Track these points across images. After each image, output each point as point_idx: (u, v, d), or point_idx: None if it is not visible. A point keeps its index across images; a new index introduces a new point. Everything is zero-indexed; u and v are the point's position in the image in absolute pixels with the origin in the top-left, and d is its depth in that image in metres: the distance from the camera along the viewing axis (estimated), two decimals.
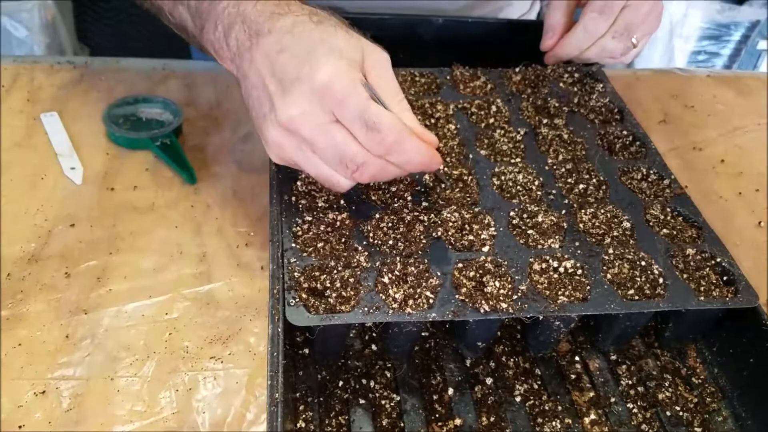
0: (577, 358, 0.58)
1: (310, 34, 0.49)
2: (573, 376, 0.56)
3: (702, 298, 0.53)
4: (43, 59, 0.87)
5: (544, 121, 0.71)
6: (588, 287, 0.53)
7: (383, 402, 0.53)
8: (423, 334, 0.58)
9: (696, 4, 2.25)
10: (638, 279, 0.54)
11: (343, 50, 0.49)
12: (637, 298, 0.52)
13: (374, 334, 0.57)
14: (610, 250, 0.56)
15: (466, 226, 0.58)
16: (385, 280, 0.52)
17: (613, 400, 0.55)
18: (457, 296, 0.51)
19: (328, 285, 0.51)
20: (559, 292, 0.53)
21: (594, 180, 0.64)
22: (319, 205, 0.59)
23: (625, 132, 0.70)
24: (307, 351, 0.55)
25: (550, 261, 0.55)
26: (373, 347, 0.57)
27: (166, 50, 1.02)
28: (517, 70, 0.78)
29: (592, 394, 0.55)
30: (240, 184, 0.71)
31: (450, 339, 0.58)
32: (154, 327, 0.57)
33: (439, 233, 0.57)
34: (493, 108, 0.72)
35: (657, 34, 2.48)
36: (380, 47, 0.52)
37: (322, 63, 0.47)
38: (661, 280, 0.54)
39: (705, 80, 1.01)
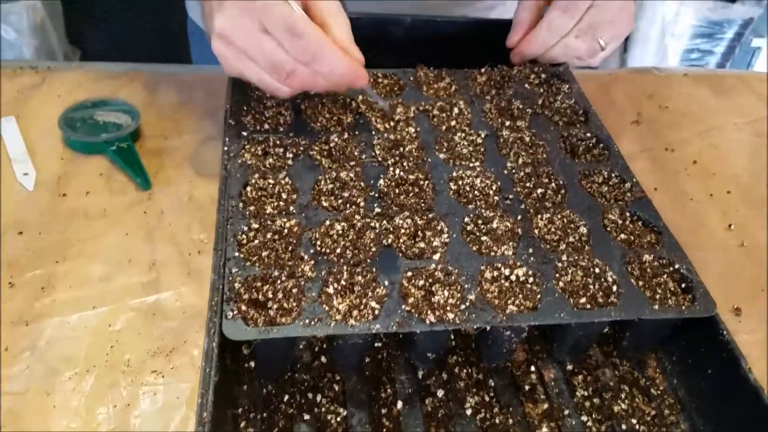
0: (532, 368, 0.56)
1: None
2: (527, 387, 0.55)
3: (657, 306, 0.51)
4: (6, 64, 0.85)
5: (507, 123, 0.69)
6: (539, 296, 0.51)
7: (329, 417, 0.51)
8: (376, 344, 0.57)
9: (688, 2, 2.23)
10: (591, 287, 0.52)
11: None
12: (589, 306, 0.51)
13: (324, 346, 0.56)
14: (564, 257, 0.54)
15: (419, 232, 0.56)
16: (330, 290, 0.51)
17: (567, 412, 0.53)
18: (403, 307, 0.50)
19: (270, 296, 0.50)
20: (509, 301, 0.51)
21: (553, 184, 0.62)
22: (268, 211, 0.57)
23: (588, 134, 0.69)
24: (253, 364, 0.54)
25: (502, 269, 0.53)
26: (323, 359, 0.55)
27: (160, 52, 1.01)
28: (482, 71, 0.77)
29: (545, 406, 0.54)
30: (197, 189, 0.70)
31: (402, 349, 0.56)
32: (97, 339, 0.55)
33: (390, 240, 0.55)
34: (456, 110, 0.70)
35: (649, 32, 2.47)
36: None
37: None
38: (614, 288, 0.52)
39: (682, 79, 0.99)
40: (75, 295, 0.58)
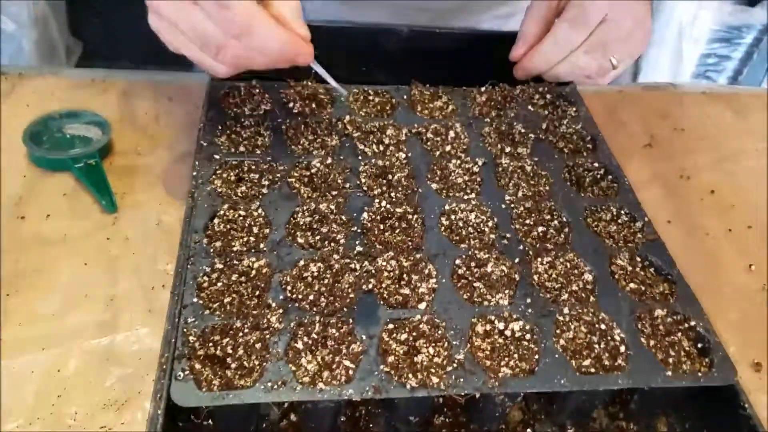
0: (529, 431, 0.50)
1: None
2: None
3: (669, 373, 0.45)
4: None
5: (507, 149, 0.63)
6: (536, 356, 0.45)
7: None
8: (355, 400, 0.51)
9: (706, 5, 2.15)
10: (596, 346, 0.46)
11: None
12: (593, 370, 0.45)
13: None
14: (566, 310, 0.48)
15: (404, 276, 0.50)
16: (299, 345, 0.45)
17: None
18: (381, 367, 0.44)
19: (230, 351, 0.44)
20: (503, 362, 0.45)
21: (555, 221, 0.56)
22: (235, 248, 0.51)
23: (596, 164, 0.63)
24: (212, 422, 0.48)
25: (496, 322, 0.47)
26: (293, 417, 0.49)
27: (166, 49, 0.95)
28: (482, 89, 0.71)
29: None
30: (167, 213, 0.64)
31: (383, 408, 0.50)
32: (44, 386, 0.50)
33: (371, 285, 0.49)
34: (451, 133, 0.65)
35: (665, 35, 2.39)
36: None
37: None
38: (622, 349, 0.46)
39: (699, 98, 0.93)
40: (24, 334, 0.53)
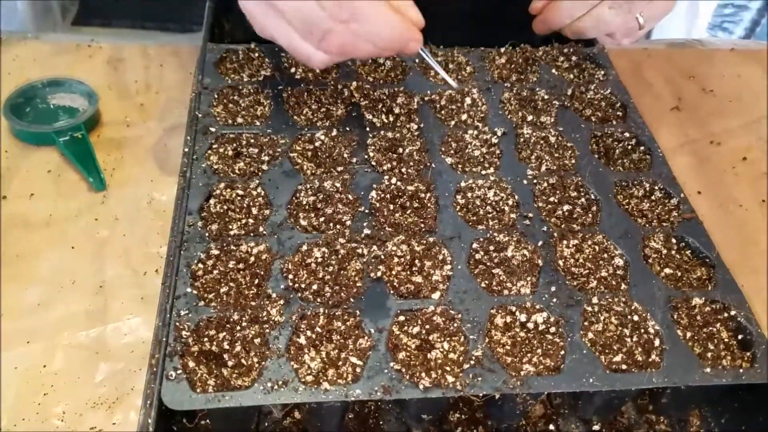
0: (551, 428, 0.47)
1: None
2: None
3: (708, 369, 0.41)
4: None
5: (529, 118, 0.58)
6: (562, 352, 0.41)
7: None
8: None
9: None
10: (628, 340, 0.42)
11: None
12: (624, 367, 0.41)
13: None
14: (595, 299, 0.44)
15: (416, 262, 0.46)
16: (302, 340, 0.41)
17: None
18: (392, 364, 0.40)
19: (227, 347, 0.40)
20: (525, 359, 0.41)
21: (583, 199, 0.51)
22: (233, 232, 0.47)
23: (627, 134, 0.57)
24: (209, 421, 0.44)
25: (517, 313, 0.43)
26: (296, 415, 0.46)
27: (164, 8, 0.89)
28: (502, 50, 0.65)
29: None
30: (159, 190, 0.59)
31: (393, 404, 0.47)
32: (29, 384, 0.46)
33: (380, 273, 0.45)
34: (468, 101, 0.59)
35: None
36: None
37: None
38: (657, 342, 0.42)
39: (728, 55, 0.86)
40: (7, 326, 0.49)
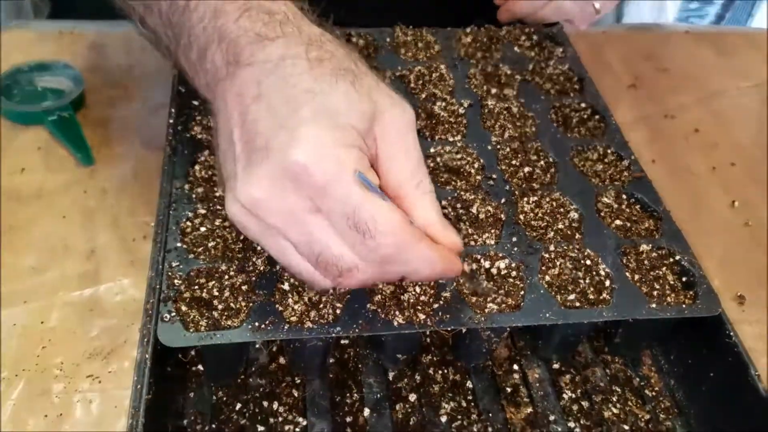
0: (515, 367, 0.51)
1: (299, 80, 0.36)
2: (509, 389, 0.50)
3: (654, 305, 0.45)
4: None
5: (493, 91, 0.62)
6: (522, 292, 0.45)
7: (287, 428, 0.46)
8: (343, 342, 0.51)
9: None
10: (581, 281, 0.46)
11: (339, 113, 0.36)
12: (578, 304, 0.45)
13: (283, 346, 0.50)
14: (552, 247, 0.48)
15: None
16: (286, 286, 0.44)
17: (552, 418, 0.48)
18: (368, 305, 0.44)
19: (216, 293, 0.44)
20: (488, 299, 0.45)
21: (542, 162, 0.56)
22: (218, 194, 0.50)
23: (583, 104, 0.62)
24: (201, 367, 0.48)
25: (482, 261, 0.47)
26: (281, 360, 0.49)
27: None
28: (468, 30, 0.69)
29: (529, 410, 0.48)
30: (144, 164, 0.62)
31: (371, 348, 0.51)
32: (27, 339, 0.49)
33: None
34: (436, 75, 0.63)
35: None
36: (401, 100, 0.39)
37: (302, 133, 0.35)
38: (607, 283, 0.46)
39: (683, 38, 0.91)
40: (4, 288, 0.52)
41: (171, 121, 0.55)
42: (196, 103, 0.57)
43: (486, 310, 0.44)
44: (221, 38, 0.38)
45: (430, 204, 0.39)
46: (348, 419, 0.47)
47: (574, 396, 0.49)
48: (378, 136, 0.38)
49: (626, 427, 0.48)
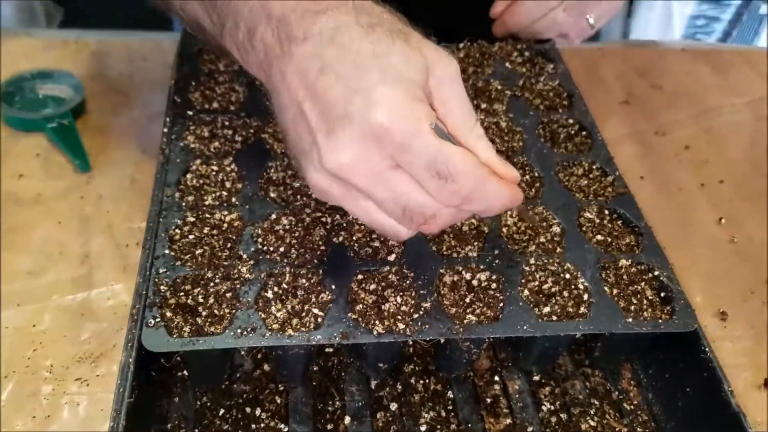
0: (496, 378, 0.52)
1: (360, 46, 0.38)
2: (489, 400, 0.50)
3: (630, 319, 0.46)
4: None
5: (483, 106, 0.63)
6: (501, 304, 0.46)
7: None
8: (327, 350, 0.52)
9: None
10: (559, 295, 0.47)
11: (402, 71, 0.38)
12: (555, 318, 0.46)
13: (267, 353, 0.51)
14: (532, 260, 0.49)
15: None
16: (269, 294, 0.45)
17: (531, 429, 0.49)
18: (349, 315, 0.45)
19: (201, 300, 0.45)
20: (468, 310, 0.46)
21: (528, 176, 0.57)
22: (207, 202, 0.52)
23: (571, 120, 0.63)
24: (185, 373, 0.49)
25: (463, 273, 0.48)
26: (265, 367, 0.50)
27: (148, 13, 0.94)
28: (461, 46, 0.70)
29: (508, 421, 0.49)
30: (141, 171, 0.64)
31: (354, 357, 0.52)
32: (19, 341, 0.50)
33: (342, 238, 0.50)
34: None
35: None
36: (445, 52, 0.41)
37: (377, 95, 0.37)
38: (585, 297, 0.47)
39: (679, 55, 0.92)
40: None
41: (165, 130, 0.56)
42: (190, 113, 0.58)
43: (465, 321, 0.45)
44: (269, 17, 0.40)
45: (486, 145, 0.41)
46: (329, 426, 0.48)
47: (552, 408, 0.50)
48: (432, 88, 0.40)
49: None
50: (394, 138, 0.37)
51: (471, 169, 0.38)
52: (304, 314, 0.45)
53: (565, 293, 0.47)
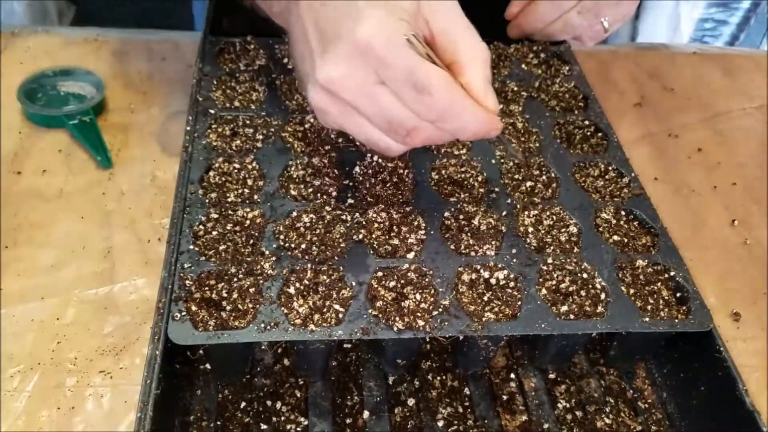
0: (512, 376, 0.52)
1: None
2: (505, 397, 0.51)
3: (647, 319, 0.47)
4: None
5: (499, 106, 0.64)
6: (519, 303, 0.47)
7: (288, 427, 0.47)
8: (345, 346, 0.53)
9: None
10: (577, 294, 0.48)
11: None
12: (573, 316, 0.47)
13: (287, 348, 0.52)
14: (550, 260, 0.50)
15: (394, 228, 0.52)
16: (291, 290, 0.46)
17: (546, 426, 0.49)
18: (370, 311, 0.46)
19: (225, 295, 0.46)
20: (487, 308, 0.47)
21: (544, 177, 0.57)
22: (230, 199, 0.52)
23: (587, 122, 0.63)
24: (208, 366, 0.50)
25: (481, 271, 0.49)
26: (285, 362, 0.51)
27: (162, 12, 0.95)
28: None
29: (524, 418, 0.50)
30: (161, 168, 0.65)
31: (372, 353, 0.52)
32: (43, 334, 0.51)
33: (361, 236, 0.51)
34: None
35: None
36: None
37: (363, 17, 0.42)
38: (602, 296, 0.48)
39: (690, 58, 0.93)
40: (23, 284, 0.54)
41: (188, 128, 0.57)
42: (212, 111, 0.59)
43: (483, 319, 0.46)
44: None
45: (480, 67, 0.45)
46: (348, 421, 0.48)
47: (568, 406, 0.51)
48: (427, 14, 0.44)
49: None
50: (376, 52, 0.41)
51: (444, 85, 0.42)
52: (325, 310, 0.45)
53: (583, 292, 0.48)
